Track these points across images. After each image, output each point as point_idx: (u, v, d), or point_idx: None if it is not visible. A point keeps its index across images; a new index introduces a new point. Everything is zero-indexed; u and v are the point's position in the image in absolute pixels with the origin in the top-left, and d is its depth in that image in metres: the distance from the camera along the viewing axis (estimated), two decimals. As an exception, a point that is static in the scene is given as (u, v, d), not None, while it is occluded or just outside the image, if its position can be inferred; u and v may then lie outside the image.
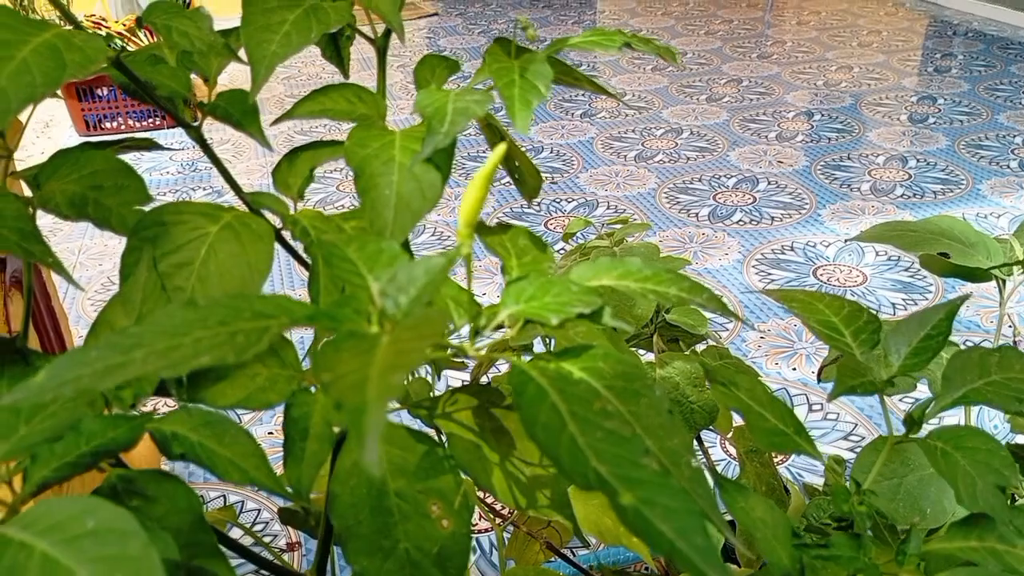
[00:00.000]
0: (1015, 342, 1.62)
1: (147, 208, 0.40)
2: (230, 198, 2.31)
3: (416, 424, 0.47)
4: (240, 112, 0.42)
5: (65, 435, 0.32)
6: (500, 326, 0.39)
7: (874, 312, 0.47)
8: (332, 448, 0.39)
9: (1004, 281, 0.86)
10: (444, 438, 0.46)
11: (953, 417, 1.39)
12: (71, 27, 0.38)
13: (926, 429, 0.45)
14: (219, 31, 0.45)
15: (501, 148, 0.31)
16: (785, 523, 0.42)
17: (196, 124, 0.43)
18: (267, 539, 1.34)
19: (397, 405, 0.55)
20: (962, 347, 0.50)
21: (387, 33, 0.47)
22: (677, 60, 0.44)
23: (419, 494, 0.38)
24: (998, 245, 0.88)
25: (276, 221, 0.44)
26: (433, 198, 0.40)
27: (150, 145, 0.47)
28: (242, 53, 0.42)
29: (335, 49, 0.54)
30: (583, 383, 0.32)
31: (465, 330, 0.38)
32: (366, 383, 0.21)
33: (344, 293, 0.30)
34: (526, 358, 0.35)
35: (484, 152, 2.78)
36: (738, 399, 0.43)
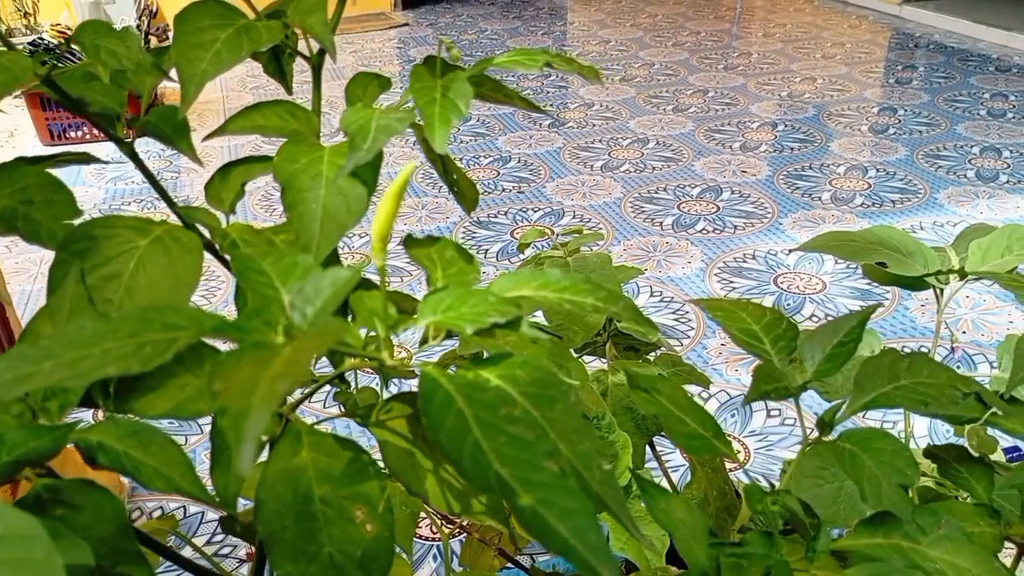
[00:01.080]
0: (952, 347, 1.66)
1: (76, 222, 0.41)
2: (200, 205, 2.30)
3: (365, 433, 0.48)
4: (171, 128, 0.43)
5: (-14, 445, 0.32)
6: (448, 337, 0.40)
7: (793, 320, 0.49)
8: (258, 457, 0.40)
9: (941, 289, 0.89)
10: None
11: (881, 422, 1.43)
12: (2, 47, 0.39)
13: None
14: (155, 49, 0.46)
15: (409, 167, 0.32)
16: (703, 524, 0.44)
17: (128, 140, 0.44)
18: (227, 548, 1.34)
19: (337, 412, 0.56)
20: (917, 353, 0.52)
21: (321, 52, 0.49)
22: (600, 78, 0.46)
23: (344, 499, 0.39)
24: (935, 254, 0.91)
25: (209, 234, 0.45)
26: (359, 212, 0.41)
27: (86, 159, 0.48)
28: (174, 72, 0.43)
29: (277, 65, 0.55)
30: (494, 389, 0.33)
31: (407, 335, 0.39)
32: (255, 390, 0.22)
33: (256, 305, 0.32)
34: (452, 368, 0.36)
35: (466, 159, 2.80)
36: (659, 404, 0.45)
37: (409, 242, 0.44)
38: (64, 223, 0.41)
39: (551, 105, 3.40)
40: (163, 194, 0.45)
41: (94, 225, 0.41)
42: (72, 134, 3.01)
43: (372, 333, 0.39)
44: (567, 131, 3.12)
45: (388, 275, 0.34)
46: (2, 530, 0.25)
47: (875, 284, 2.05)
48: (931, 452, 0.56)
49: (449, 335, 0.40)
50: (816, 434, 0.46)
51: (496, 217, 2.46)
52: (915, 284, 0.86)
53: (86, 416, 1.06)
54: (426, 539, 1.38)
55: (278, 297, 0.31)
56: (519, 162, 2.85)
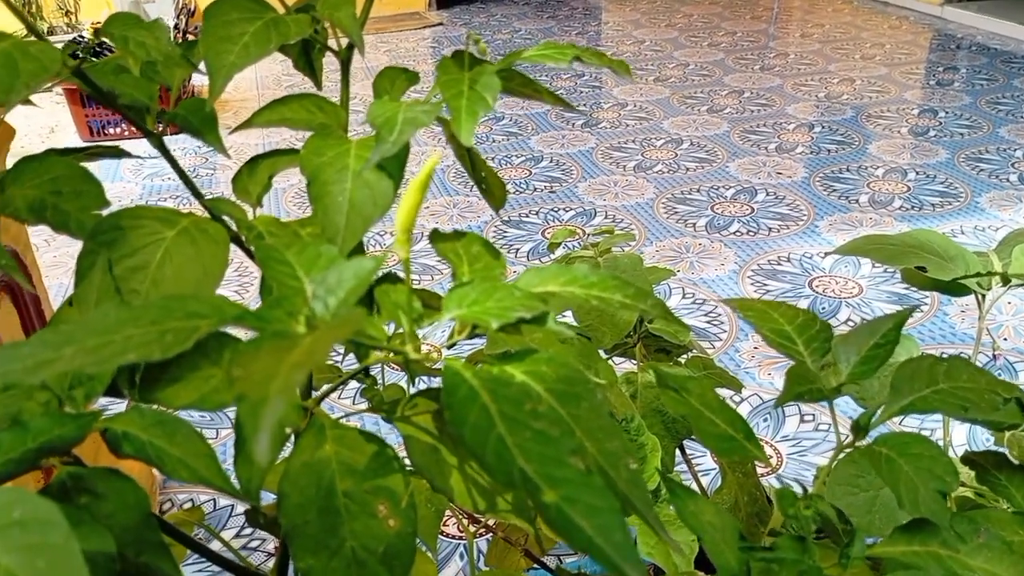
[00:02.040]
0: (994, 355, 1.62)
1: (104, 213, 0.41)
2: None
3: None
4: (199, 120, 0.43)
5: (12, 432, 0.32)
6: (474, 335, 0.39)
7: (826, 322, 0.47)
8: (281, 449, 0.40)
9: (983, 295, 0.87)
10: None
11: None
12: (33, 37, 0.39)
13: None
14: (185, 42, 0.46)
15: (434, 159, 0.31)
16: (733, 527, 0.43)
17: (160, 133, 0.44)
18: (255, 543, 1.35)
19: (363, 407, 0.55)
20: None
21: (350, 46, 0.48)
22: (630, 73, 0.45)
23: (367, 494, 0.39)
24: (977, 259, 0.89)
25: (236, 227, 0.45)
26: (384, 205, 0.41)
27: (116, 152, 0.48)
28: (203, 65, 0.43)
29: (307, 60, 0.55)
30: (519, 385, 0.33)
31: (437, 332, 0.38)
32: (273, 379, 0.21)
33: (279, 295, 0.31)
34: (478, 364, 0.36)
35: (497, 158, 2.80)
36: (688, 404, 0.44)
37: (435, 237, 0.44)
38: (92, 213, 0.41)
39: (584, 105, 3.39)
40: (190, 185, 0.45)
41: (121, 216, 0.41)
42: (111, 131, 3.06)
43: (400, 330, 0.39)
44: (600, 131, 3.11)
45: (412, 269, 0.34)
46: (20, 515, 0.25)
47: (913, 289, 2.01)
48: (969, 459, 0.54)
49: (477, 335, 0.40)
50: (850, 439, 0.44)
51: (527, 217, 2.45)
52: (956, 289, 0.84)
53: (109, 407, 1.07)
54: (452, 538, 1.38)
55: (301, 287, 0.31)
56: (551, 162, 2.84)
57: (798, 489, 0.49)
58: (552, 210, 2.49)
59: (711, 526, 0.42)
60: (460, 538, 1.37)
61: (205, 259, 0.41)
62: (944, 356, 0.46)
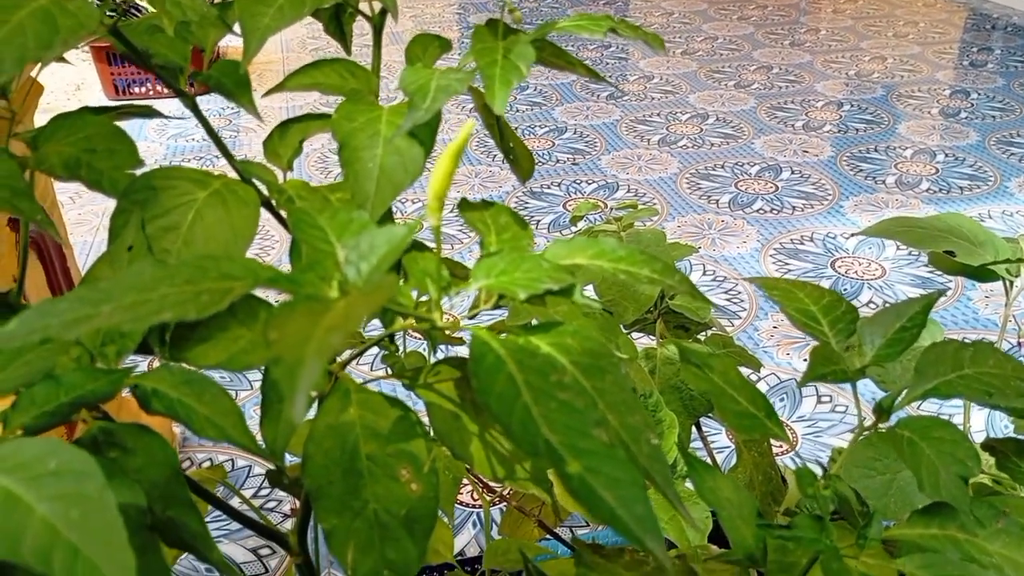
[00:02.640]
0: (1020, 342, 1.61)
1: (138, 172, 0.41)
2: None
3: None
4: (232, 82, 0.43)
5: (46, 385, 0.33)
6: (496, 306, 0.40)
7: (852, 304, 0.47)
8: (307, 411, 0.40)
9: (1011, 281, 0.86)
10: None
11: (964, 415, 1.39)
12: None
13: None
14: (218, 3, 0.46)
15: (468, 126, 0.31)
16: (751, 504, 0.43)
17: (192, 93, 0.45)
18: (271, 504, 1.37)
19: (385, 374, 0.56)
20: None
21: (383, 12, 0.48)
22: (663, 47, 0.45)
23: (390, 457, 0.39)
24: (1006, 245, 0.88)
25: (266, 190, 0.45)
26: (415, 172, 0.41)
27: (148, 112, 0.48)
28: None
29: (338, 25, 0.55)
30: (544, 356, 0.33)
31: (457, 302, 0.39)
32: (309, 341, 0.22)
33: (311, 259, 0.32)
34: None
35: (521, 128, 2.78)
36: (710, 381, 0.44)
37: (463, 205, 0.44)
38: (126, 172, 0.41)
39: (610, 77, 3.35)
40: (222, 148, 0.46)
41: (154, 176, 0.41)
42: (136, 90, 3.07)
43: (423, 298, 0.39)
44: (625, 103, 3.08)
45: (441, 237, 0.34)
46: (56, 465, 0.25)
47: (938, 272, 1.99)
48: (989, 445, 0.54)
49: (498, 306, 0.40)
50: (872, 421, 0.44)
51: (549, 188, 2.45)
52: (983, 274, 0.83)
53: (138, 364, 1.08)
54: (465, 506, 1.39)
55: (332, 252, 0.31)
56: (575, 133, 2.82)
57: (817, 470, 0.49)
58: (574, 182, 2.48)
59: (729, 502, 0.42)
60: (473, 506, 1.39)
61: (235, 221, 0.41)
62: (970, 341, 0.46)
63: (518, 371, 0.31)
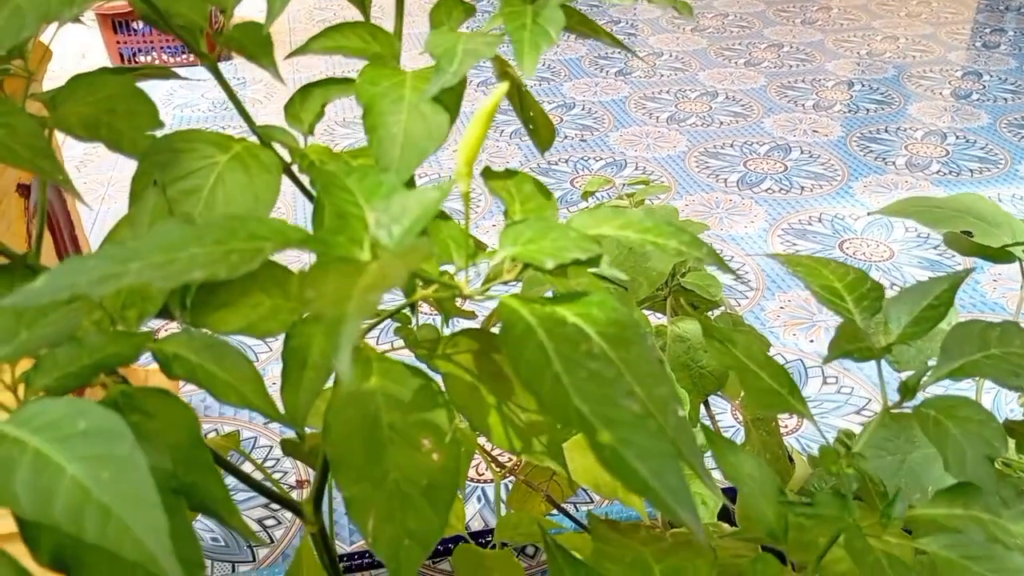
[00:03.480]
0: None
1: (159, 134, 0.40)
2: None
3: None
4: (255, 44, 0.42)
5: (68, 347, 0.33)
6: (508, 281, 0.39)
7: (878, 282, 0.46)
8: (327, 379, 0.40)
9: (1027, 262, 0.85)
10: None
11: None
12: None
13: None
14: (239, -38, 0.45)
15: (503, 87, 0.31)
16: (773, 481, 0.43)
17: (212, 55, 0.44)
18: (276, 475, 1.37)
19: (400, 344, 0.56)
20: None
21: (406, -27, 0.47)
22: (691, 13, 0.44)
23: (411, 427, 0.39)
24: (1023, 226, 0.87)
25: (286, 155, 0.44)
26: (439, 138, 0.40)
27: (167, 74, 0.47)
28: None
29: (358, -12, 0.54)
30: (573, 326, 0.32)
31: (470, 273, 0.38)
32: (348, 299, 0.21)
33: (340, 221, 0.31)
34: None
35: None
36: (734, 357, 0.44)
37: (487, 173, 0.43)
38: (146, 134, 0.40)
39: (618, 53, 3.32)
40: (242, 111, 0.45)
41: (175, 138, 0.41)
42: (142, 59, 3.04)
43: (445, 267, 0.38)
44: (634, 80, 3.06)
45: (445, 211, 0.33)
46: (85, 426, 0.25)
47: (946, 255, 1.98)
48: (1009, 427, 0.54)
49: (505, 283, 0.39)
50: (897, 400, 0.44)
51: (556, 164, 2.43)
52: (1001, 256, 0.82)
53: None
54: (470, 480, 1.39)
55: (362, 215, 0.31)
56: (583, 109, 2.80)
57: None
58: (582, 159, 2.47)
59: (751, 478, 0.42)
60: (477, 481, 1.39)
61: (257, 186, 0.40)
62: (997, 322, 0.46)
63: (548, 339, 0.31)
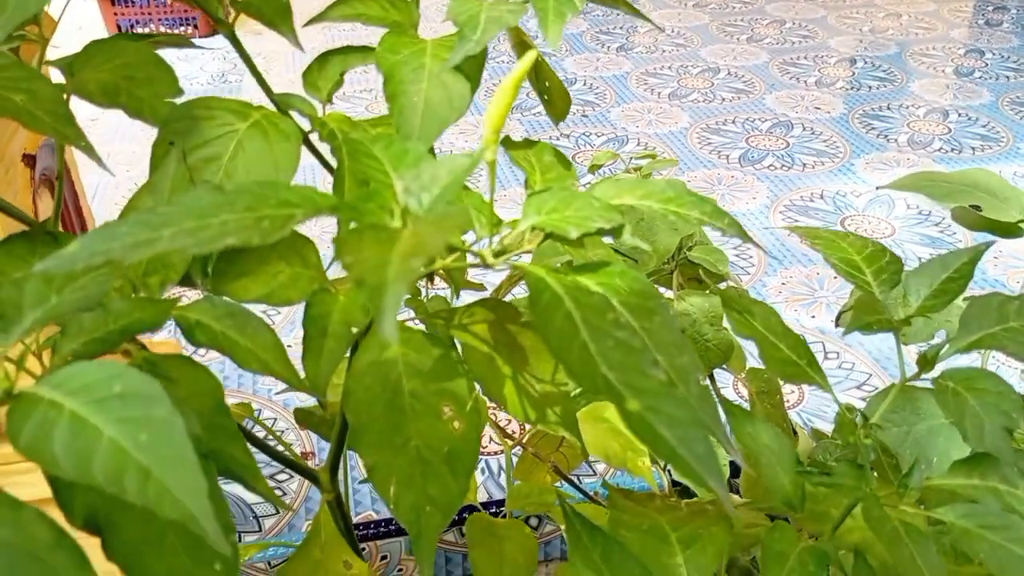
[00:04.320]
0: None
1: (178, 101, 0.40)
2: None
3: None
4: (273, 10, 0.42)
5: (95, 313, 0.33)
6: (528, 251, 0.39)
7: (897, 255, 0.47)
8: (349, 347, 0.40)
9: (1034, 237, 0.85)
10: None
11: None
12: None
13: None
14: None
15: (532, 54, 0.30)
16: (790, 450, 0.43)
17: (230, 23, 0.43)
18: (281, 448, 1.38)
19: (413, 314, 0.56)
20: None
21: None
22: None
23: (432, 395, 0.39)
24: (1032, 200, 0.87)
25: (304, 124, 0.44)
26: (460, 107, 0.40)
27: (181, 42, 0.47)
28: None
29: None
30: (599, 295, 0.32)
31: (485, 243, 0.38)
32: (387, 265, 0.21)
33: (368, 190, 0.31)
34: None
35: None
36: (752, 327, 0.44)
37: (508, 143, 0.43)
38: (166, 101, 0.40)
39: (620, 28, 3.30)
40: (260, 80, 0.45)
41: (194, 105, 0.41)
42: (139, 31, 3.01)
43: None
44: (635, 56, 3.04)
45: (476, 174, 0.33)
46: (121, 388, 0.25)
47: (947, 232, 1.99)
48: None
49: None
50: (915, 371, 0.44)
51: (558, 140, 2.42)
52: (1009, 230, 0.82)
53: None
54: (474, 452, 1.40)
55: (389, 182, 0.31)
56: (585, 84, 2.79)
57: (823, 427, 0.49)
58: (584, 134, 2.46)
59: (768, 448, 0.42)
60: (482, 454, 1.40)
61: (277, 154, 0.40)
62: (1015, 295, 0.46)
63: (576, 309, 0.31)
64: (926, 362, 0.43)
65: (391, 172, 0.31)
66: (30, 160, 0.90)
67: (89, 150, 0.36)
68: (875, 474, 0.49)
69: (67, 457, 0.23)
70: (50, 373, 0.25)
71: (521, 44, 0.51)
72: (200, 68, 2.82)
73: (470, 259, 0.37)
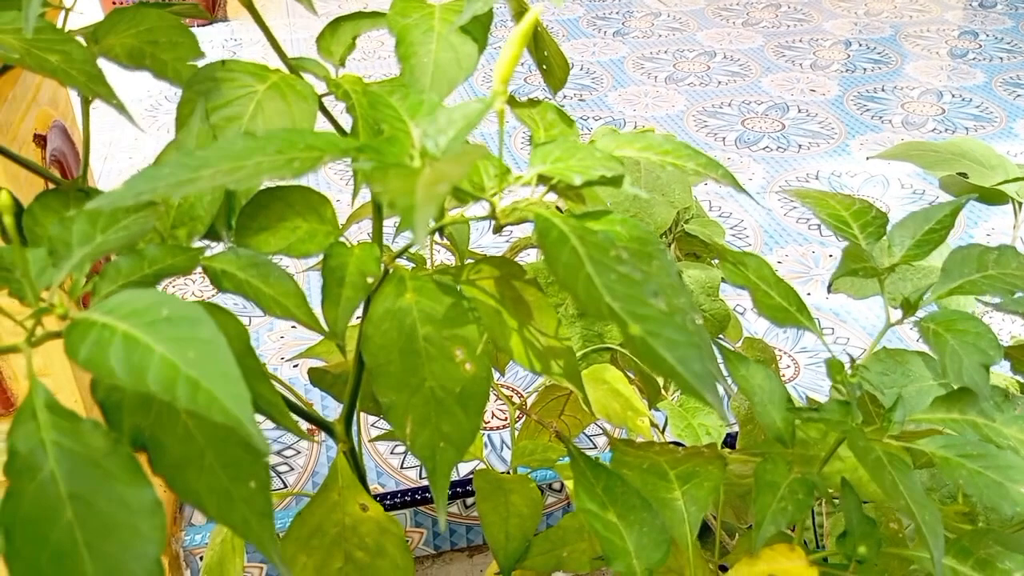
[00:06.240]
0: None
1: (200, 64, 0.42)
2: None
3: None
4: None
5: (130, 258, 0.35)
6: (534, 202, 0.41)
7: (882, 210, 0.49)
8: (365, 296, 0.42)
9: (1020, 203, 0.88)
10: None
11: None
12: None
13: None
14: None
15: (537, 9, 0.33)
16: (781, 390, 0.45)
17: (246, -11, 0.45)
18: (289, 423, 1.40)
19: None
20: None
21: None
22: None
23: (445, 340, 0.41)
24: (1018, 169, 0.89)
25: (317, 87, 0.46)
26: (468, 68, 0.42)
27: (196, 13, 0.49)
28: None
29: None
30: (602, 233, 0.35)
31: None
32: (414, 192, 0.23)
33: (390, 135, 0.33)
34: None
35: (528, 64, 2.75)
36: (746, 277, 0.46)
37: (512, 103, 0.45)
38: (188, 64, 0.42)
39: (616, 13, 3.31)
40: (275, 45, 0.47)
41: (215, 68, 0.43)
42: (137, 20, 3.02)
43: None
44: (632, 40, 3.05)
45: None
46: (168, 312, 0.27)
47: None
48: (1008, 351, 0.57)
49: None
50: (900, 316, 0.47)
51: (556, 124, 2.44)
52: (994, 196, 0.84)
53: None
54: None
55: (407, 129, 0.33)
56: (581, 69, 2.80)
57: (817, 397, 0.51)
58: (581, 118, 2.47)
59: (761, 388, 0.45)
60: (486, 428, 1.43)
61: (294, 114, 0.43)
62: (994, 246, 0.48)
63: (580, 244, 0.33)
64: (909, 306, 0.45)
65: (408, 120, 0.33)
66: (41, 141, 0.92)
67: (120, 108, 0.38)
68: (865, 419, 0.51)
69: (124, 370, 0.26)
70: (102, 300, 0.28)
71: (521, 14, 0.54)
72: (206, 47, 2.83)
73: (479, 211, 0.39)
